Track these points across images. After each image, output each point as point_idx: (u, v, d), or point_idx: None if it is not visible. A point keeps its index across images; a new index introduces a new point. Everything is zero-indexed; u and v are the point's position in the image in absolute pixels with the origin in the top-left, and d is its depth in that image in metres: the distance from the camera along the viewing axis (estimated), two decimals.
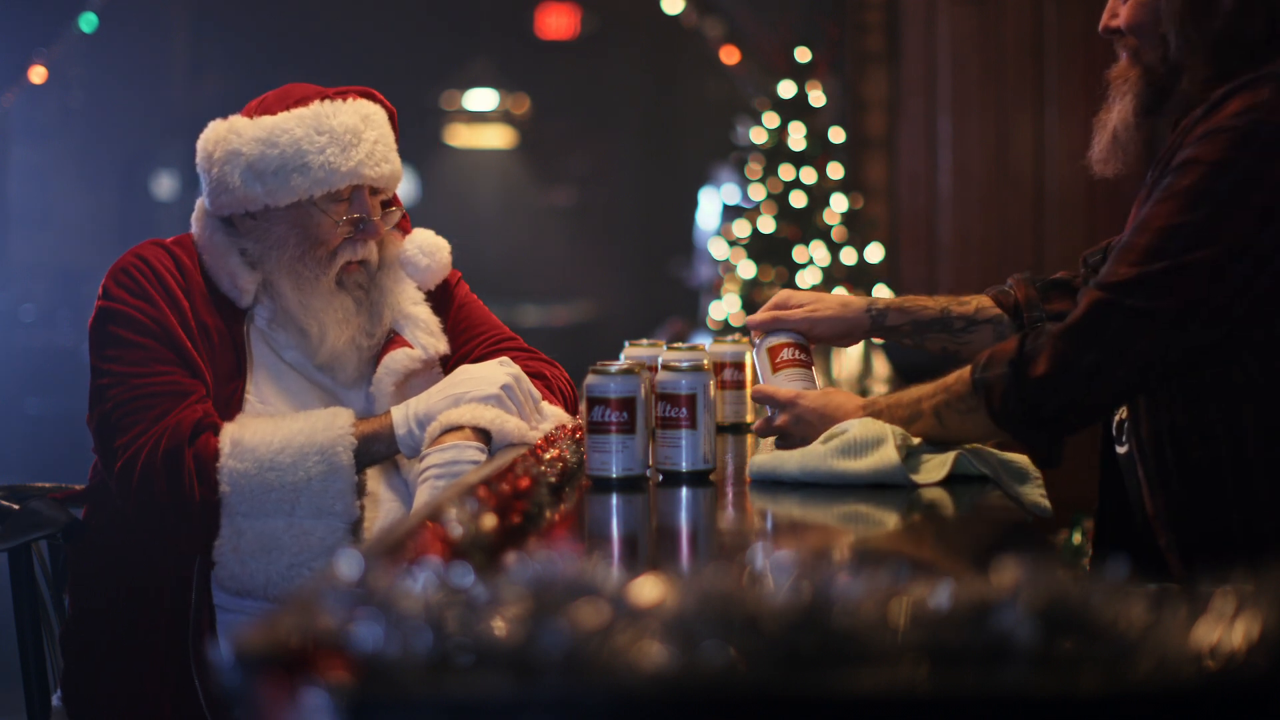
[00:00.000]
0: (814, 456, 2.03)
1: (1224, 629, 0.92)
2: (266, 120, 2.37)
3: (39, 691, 2.39)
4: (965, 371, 2.04)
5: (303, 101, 2.39)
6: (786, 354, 2.27)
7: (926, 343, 2.36)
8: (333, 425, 2.26)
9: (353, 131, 2.36)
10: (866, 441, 2.02)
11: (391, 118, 2.48)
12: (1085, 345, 1.91)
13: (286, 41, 10.37)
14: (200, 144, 2.41)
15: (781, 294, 2.35)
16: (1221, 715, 0.91)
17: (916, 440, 2.08)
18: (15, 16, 6.89)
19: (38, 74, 6.91)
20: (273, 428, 2.26)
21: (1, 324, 8.06)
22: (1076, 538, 3.52)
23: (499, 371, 2.32)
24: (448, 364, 2.50)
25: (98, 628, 2.34)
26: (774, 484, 2.04)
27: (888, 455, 2.00)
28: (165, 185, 10.20)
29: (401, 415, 2.30)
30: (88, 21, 7.01)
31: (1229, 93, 1.92)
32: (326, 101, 2.39)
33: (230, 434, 2.25)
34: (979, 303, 2.38)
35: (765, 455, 2.09)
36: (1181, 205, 1.89)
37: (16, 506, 2.41)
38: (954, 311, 2.36)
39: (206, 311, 2.36)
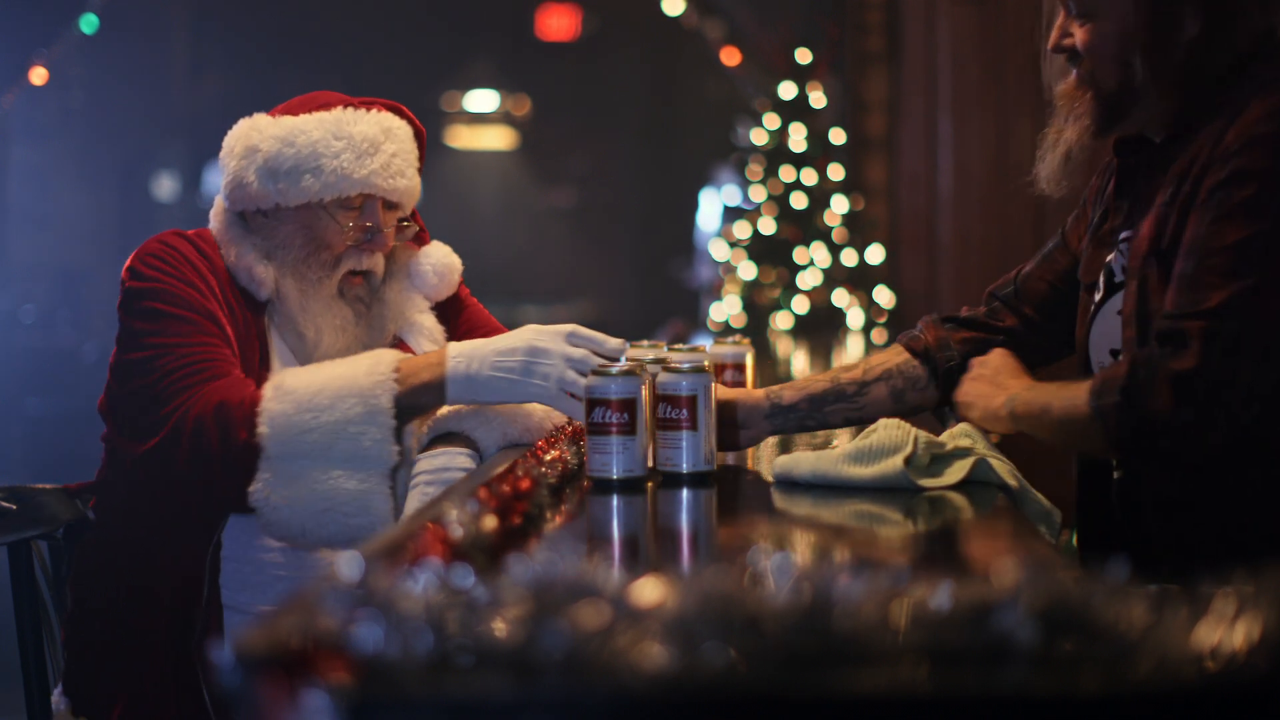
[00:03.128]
0: (826, 461, 2.04)
1: (1224, 630, 0.92)
2: (287, 120, 2.38)
3: (39, 691, 2.39)
4: (1082, 393, 2.00)
5: (326, 106, 2.40)
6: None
7: (829, 417, 2.32)
8: (374, 370, 2.21)
9: (371, 141, 2.37)
10: (882, 449, 2.02)
11: (419, 136, 2.48)
12: (1199, 378, 1.87)
13: (286, 42, 10.38)
14: (225, 140, 2.43)
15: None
16: (1221, 716, 0.91)
17: (950, 445, 2.07)
18: (15, 17, 6.90)
19: (38, 75, 6.91)
20: (314, 371, 2.24)
21: (2, 324, 8.06)
22: (1076, 539, 3.51)
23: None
24: None
25: (102, 623, 2.33)
26: (788, 484, 2.05)
27: (893, 464, 2.00)
28: (165, 186, 10.21)
29: (458, 368, 2.23)
30: (88, 22, 7.01)
31: (1247, 97, 1.92)
32: (350, 109, 2.39)
33: (274, 380, 2.22)
34: (865, 364, 2.35)
35: (785, 457, 2.10)
36: (1246, 219, 1.88)
37: (14, 507, 2.41)
38: (844, 379, 2.32)
39: (232, 300, 2.37)
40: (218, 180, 2.44)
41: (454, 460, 2.22)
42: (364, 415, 2.18)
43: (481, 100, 11.59)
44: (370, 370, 2.21)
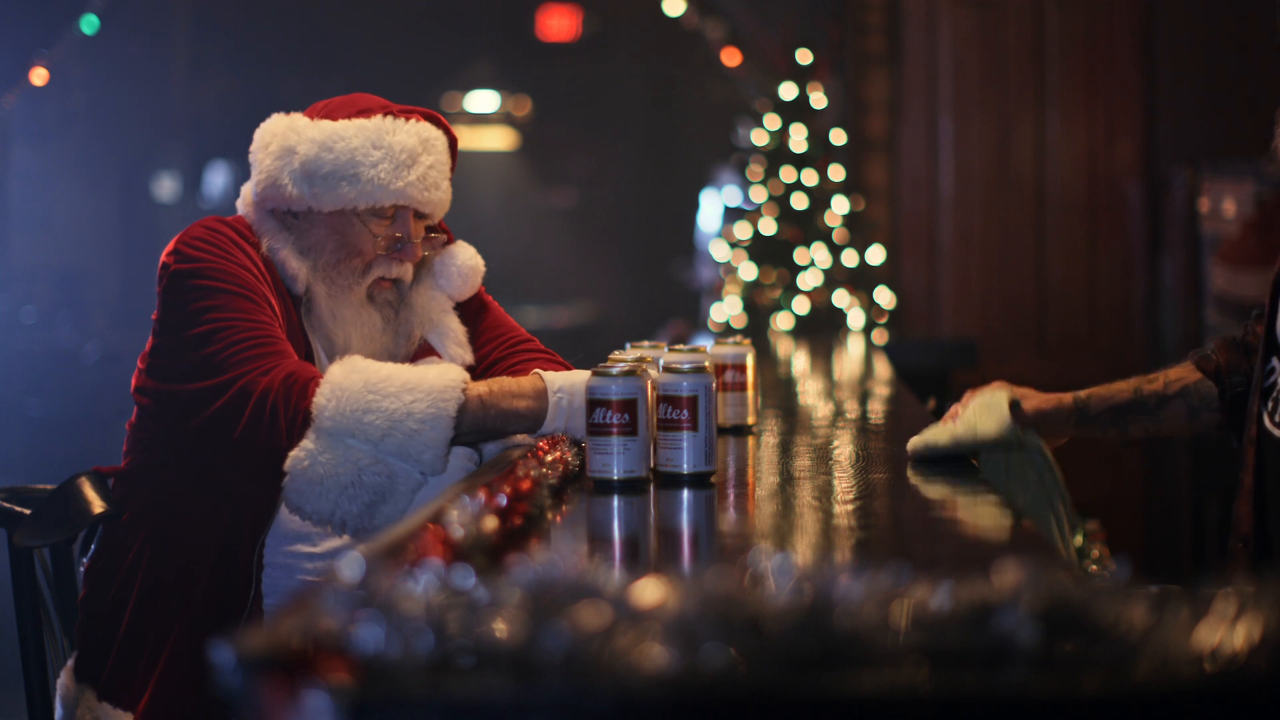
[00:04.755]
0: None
1: (1225, 631, 0.92)
2: (326, 124, 2.38)
3: (40, 691, 2.39)
4: None
5: (366, 113, 2.40)
6: None
7: (1128, 426, 2.39)
8: (446, 375, 2.21)
9: (409, 153, 2.37)
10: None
11: (452, 145, 2.49)
12: None
13: (287, 43, 10.38)
14: (258, 134, 2.43)
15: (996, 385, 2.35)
16: (1222, 717, 0.91)
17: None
18: (16, 18, 6.90)
19: (39, 76, 6.91)
20: (383, 363, 2.23)
21: (2, 326, 8.06)
22: (1078, 539, 3.51)
23: None
24: (473, 367, 2.49)
25: (131, 611, 2.31)
26: (790, 485, 2.06)
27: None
28: (166, 187, 10.20)
29: (560, 404, 2.23)
30: (89, 23, 7.01)
31: None
32: (389, 118, 2.39)
33: (345, 358, 2.22)
34: (1165, 377, 2.38)
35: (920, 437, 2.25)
36: None
37: (26, 511, 2.41)
38: (1146, 391, 2.37)
39: (280, 286, 2.36)
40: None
41: (454, 459, 2.22)
42: (429, 415, 2.16)
43: (482, 101, 11.59)
44: (441, 374, 2.20)
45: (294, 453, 2.15)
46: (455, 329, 2.50)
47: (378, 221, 2.38)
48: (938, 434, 2.23)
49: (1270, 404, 2.10)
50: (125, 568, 2.33)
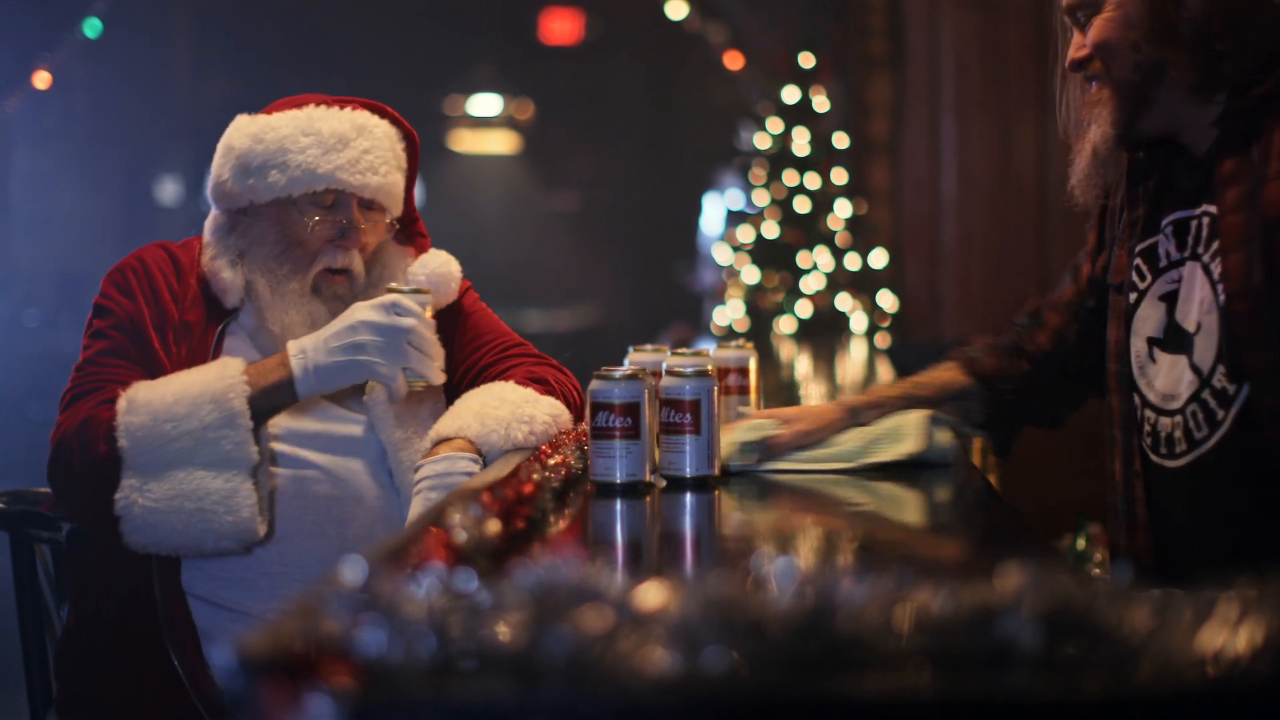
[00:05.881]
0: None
1: (1227, 634, 0.92)
2: (261, 118, 2.41)
3: (41, 693, 2.39)
4: None
5: (299, 105, 2.41)
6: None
7: None
8: (224, 375, 2.25)
9: (340, 137, 2.37)
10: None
11: (408, 139, 2.47)
12: None
13: (289, 46, 10.39)
14: None
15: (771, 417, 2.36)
16: None
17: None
18: (19, 21, 6.90)
19: (41, 79, 6.92)
20: (165, 383, 2.26)
21: (5, 329, 8.07)
22: (1081, 542, 3.51)
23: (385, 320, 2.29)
24: (458, 373, 2.48)
25: (96, 635, 2.32)
26: (789, 489, 2.06)
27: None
28: (168, 190, 10.22)
29: (300, 365, 2.28)
30: (91, 27, 7.02)
31: None
32: (322, 107, 2.40)
33: (125, 394, 2.25)
34: (942, 381, 2.37)
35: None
36: None
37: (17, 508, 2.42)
38: (916, 396, 2.35)
39: (195, 310, 2.37)
40: None
41: (456, 464, 2.21)
42: (222, 420, 2.21)
43: (485, 104, 11.60)
44: (220, 375, 2.25)
45: (116, 496, 2.20)
46: None
47: (315, 210, 2.38)
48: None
49: (1149, 439, 2.11)
50: (78, 591, 2.37)
